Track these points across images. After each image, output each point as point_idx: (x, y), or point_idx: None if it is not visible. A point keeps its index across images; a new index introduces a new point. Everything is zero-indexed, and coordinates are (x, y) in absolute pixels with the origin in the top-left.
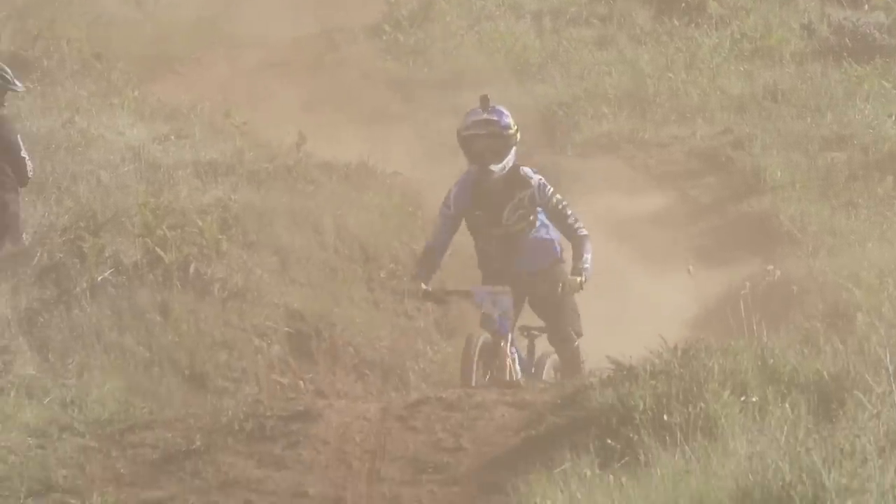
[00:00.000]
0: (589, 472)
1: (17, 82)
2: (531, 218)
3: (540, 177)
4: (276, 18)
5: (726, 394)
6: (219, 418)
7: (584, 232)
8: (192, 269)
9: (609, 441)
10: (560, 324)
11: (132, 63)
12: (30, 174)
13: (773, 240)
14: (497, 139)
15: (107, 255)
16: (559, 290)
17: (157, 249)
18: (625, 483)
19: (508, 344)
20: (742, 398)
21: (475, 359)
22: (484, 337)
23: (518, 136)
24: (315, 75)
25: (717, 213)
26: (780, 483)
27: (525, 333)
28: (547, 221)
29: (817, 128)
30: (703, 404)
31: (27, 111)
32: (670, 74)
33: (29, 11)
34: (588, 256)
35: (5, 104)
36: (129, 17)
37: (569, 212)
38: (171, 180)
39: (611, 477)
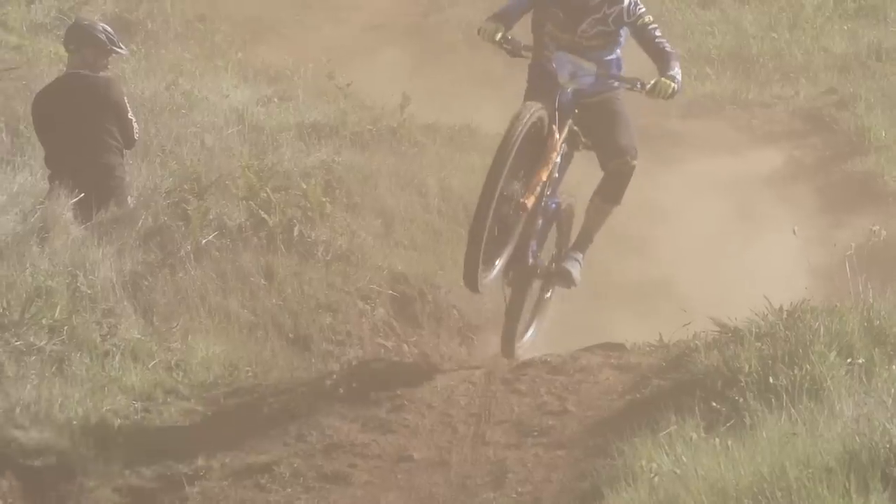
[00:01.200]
0: (695, 435)
1: (120, 45)
2: (610, 38)
3: None
4: None
5: (832, 356)
6: (323, 382)
7: (673, 49)
8: (295, 232)
9: (714, 404)
10: (618, 136)
11: (235, 25)
12: (136, 136)
13: (879, 200)
14: None
15: (211, 217)
16: (647, 88)
17: (261, 212)
18: (731, 446)
19: (562, 137)
20: (848, 360)
21: (518, 141)
22: (539, 114)
23: None
24: (418, 37)
25: (821, 173)
26: (888, 445)
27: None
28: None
29: None
30: (808, 366)
31: (131, 73)
32: (774, 34)
33: None
34: (679, 70)
35: (108, 66)
36: None
37: (658, 32)
38: (274, 143)
39: (716, 440)
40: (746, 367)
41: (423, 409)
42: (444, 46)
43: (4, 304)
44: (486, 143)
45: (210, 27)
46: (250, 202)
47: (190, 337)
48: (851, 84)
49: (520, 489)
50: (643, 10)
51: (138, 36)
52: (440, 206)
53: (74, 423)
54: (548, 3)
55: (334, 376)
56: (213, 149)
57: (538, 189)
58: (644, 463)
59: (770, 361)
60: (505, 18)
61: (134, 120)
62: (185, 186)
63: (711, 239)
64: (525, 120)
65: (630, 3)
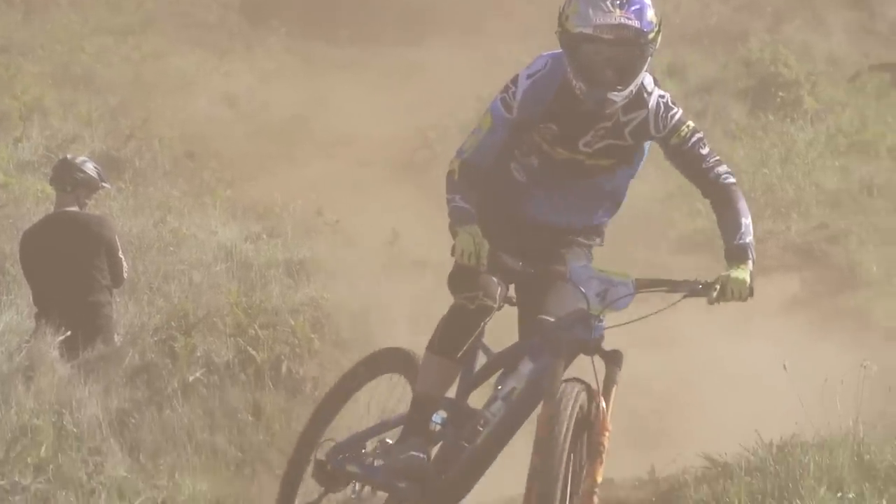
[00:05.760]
0: None
1: (106, 181)
2: (623, 157)
3: (662, 93)
4: (369, 117)
5: (822, 490)
6: None
7: (733, 179)
8: (284, 369)
9: None
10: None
11: (224, 162)
12: (125, 275)
13: (869, 334)
14: (632, 49)
15: (198, 354)
16: (714, 295)
17: (249, 349)
18: None
19: (612, 404)
20: (838, 494)
21: (565, 453)
22: (582, 397)
23: (659, 38)
24: (408, 172)
25: (812, 308)
26: None
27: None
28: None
29: None
30: (798, 501)
31: (119, 211)
32: (765, 170)
33: (121, 111)
34: (749, 224)
35: (89, 203)
36: (221, 117)
37: (705, 150)
38: (263, 279)
39: None
40: (736, 501)
41: None
42: (434, 182)
43: None
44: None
45: (199, 164)
46: (238, 339)
47: (177, 474)
48: (843, 219)
49: None
50: (678, 114)
51: (126, 173)
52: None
53: None
54: (536, 120)
55: None
56: (201, 286)
57: (595, 498)
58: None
59: (760, 496)
60: (473, 206)
61: (123, 258)
62: (173, 324)
63: (701, 372)
64: (564, 418)
65: (658, 107)
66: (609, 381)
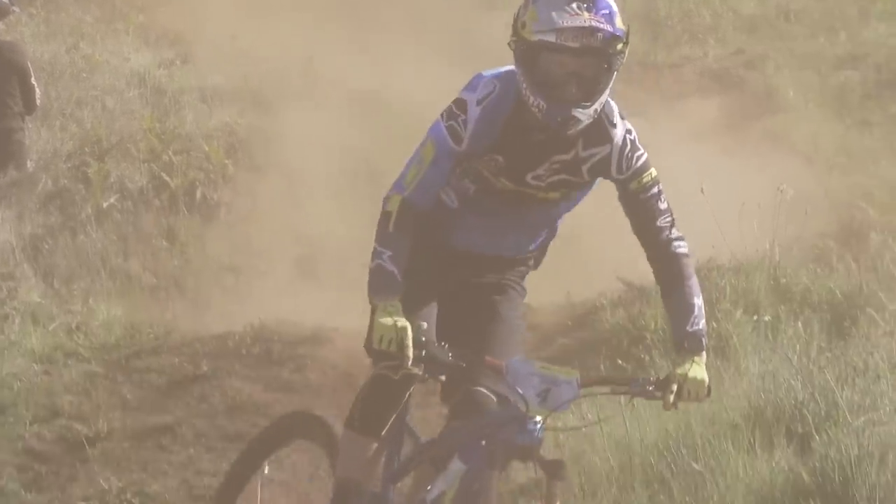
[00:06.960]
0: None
1: (16, 5)
2: (573, 190)
3: (629, 127)
4: None
5: (738, 313)
6: (225, 343)
7: (685, 249)
8: (198, 194)
9: (620, 362)
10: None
11: None
12: (37, 101)
13: (786, 159)
14: (599, 60)
15: (112, 180)
16: (670, 399)
17: (163, 174)
18: (636, 403)
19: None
20: (754, 317)
21: None
22: None
23: (626, 51)
24: None
25: (729, 133)
26: (793, 401)
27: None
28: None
29: (831, 47)
30: (715, 324)
31: (30, 37)
32: None
33: None
34: (702, 305)
35: (0, 28)
36: None
37: (662, 205)
38: (176, 105)
39: (622, 397)
40: (652, 324)
41: (326, 368)
42: (349, 4)
43: None
44: (390, 103)
45: None
46: (152, 165)
47: (91, 299)
48: (760, 45)
49: None
50: (643, 157)
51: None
52: (343, 166)
53: None
54: (482, 152)
55: (237, 337)
56: (114, 112)
57: None
58: (549, 420)
59: None
60: (400, 271)
61: (36, 85)
62: (86, 149)
63: (618, 197)
64: None
65: (625, 144)
66: (552, 497)
